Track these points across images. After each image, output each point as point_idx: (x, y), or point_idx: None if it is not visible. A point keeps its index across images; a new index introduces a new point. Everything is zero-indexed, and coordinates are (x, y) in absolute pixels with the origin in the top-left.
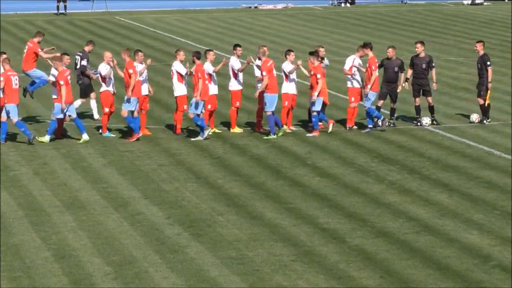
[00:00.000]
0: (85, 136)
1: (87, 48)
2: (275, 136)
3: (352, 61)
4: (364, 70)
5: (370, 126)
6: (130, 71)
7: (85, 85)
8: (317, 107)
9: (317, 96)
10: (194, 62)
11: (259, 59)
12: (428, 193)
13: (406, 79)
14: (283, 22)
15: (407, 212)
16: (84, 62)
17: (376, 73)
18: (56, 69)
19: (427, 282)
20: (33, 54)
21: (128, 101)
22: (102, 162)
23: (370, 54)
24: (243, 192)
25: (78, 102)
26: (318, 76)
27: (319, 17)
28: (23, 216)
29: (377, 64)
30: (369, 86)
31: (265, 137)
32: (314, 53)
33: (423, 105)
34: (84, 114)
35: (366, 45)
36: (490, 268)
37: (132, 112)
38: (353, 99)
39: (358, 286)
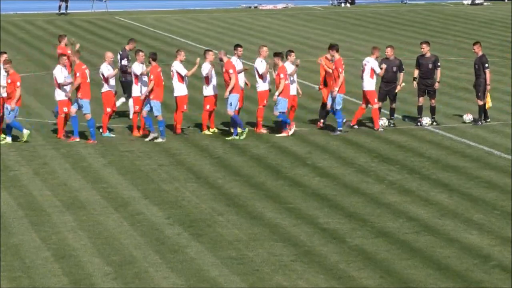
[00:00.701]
0: (25, 131)
1: (128, 47)
2: (237, 138)
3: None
4: (330, 70)
5: (340, 128)
6: (78, 74)
7: (127, 83)
8: (283, 107)
9: (279, 96)
10: (150, 63)
11: (221, 60)
12: (428, 193)
13: (414, 78)
14: (283, 22)
15: (407, 212)
16: (124, 62)
17: (343, 75)
18: (7, 71)
19: (427, 282)
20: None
21: (81, 106)
22: (102, 162)
23: (337, 56)
24: (243, 192)
25: (122, 99)
26: (282, 76)
27: (319, 17)
28: (23, 216)
29: (343, 66)
30: (336, 89)
31: (228, 138)
32: (279, 54)
33: (424, 105)
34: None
35: (332, 47)
36: (490, 268)
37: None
38: (376, 100)
39: (358, 286)
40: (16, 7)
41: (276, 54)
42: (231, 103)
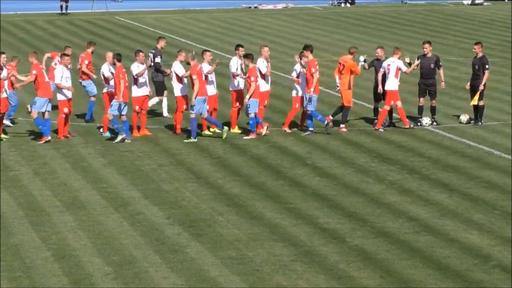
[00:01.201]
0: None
1: (159, 45)
2: (195, 140)
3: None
4: (304, 71)
5: (311, 129)
6: (34, 72)
7: (159, 83)
8: (253, 109)
9: (252, 98)
10: (114, 64)
11: (188, 63)
12: (428, 193)
13: (409, 64)
14: (283, 22)
15: (407, 212)
16: (157, 59)
17: (316, 76)
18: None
19: (427, 282)
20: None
21: (34, 103)
22: (102, 162)
23: (310, 56)
24: (243, 192)
25: (155, 99)
26: (252, 78)
27: (319, 17)
28: (23, 216)
29: (317, 67)
30: (311, 90)
31: (186, 140)
32: (248, 56)
33: (425, 105)
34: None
35: (306, 48)
36: (490, 268)
37: (43, 113)
38: (392, 102)
39: (358, 286)
40: (16, 7)
41: (246, 56)
42: (192, 106)
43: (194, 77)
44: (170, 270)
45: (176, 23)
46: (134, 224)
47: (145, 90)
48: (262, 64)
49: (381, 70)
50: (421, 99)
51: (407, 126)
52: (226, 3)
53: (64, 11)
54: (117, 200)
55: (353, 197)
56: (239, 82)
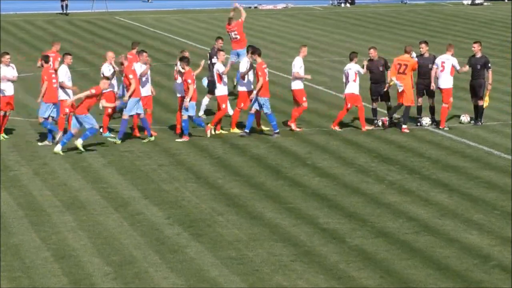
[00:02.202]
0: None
1: (216, 46)
2: (119, 142)
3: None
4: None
5: (247, 130)
6: None
7: (213, 82)
8: (191, 111)
9: (190, 101)
10: (42, 66)
11: (122, 64)
12: (428, 193)
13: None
14: (283, 22)
15: (407, 212)
16: (214, 60)
17: (261, 80)
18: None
19: (427, 282)
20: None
21: None
22: (102, 162)
23: (258, 59)
24: (243, 192)
25: (207, 100)
26: (189, 81)
27: (319, 17)
28: (23, 216)
29: (264, 70)
30: (254, 92)
31: (111, 140)
32: (183, 59)
33: (424, 105)
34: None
35: (255, 51)
36: (490, 268)
37: None
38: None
39: (358, 286)
40: (16, 7)
41: (182, 59)
42: (126, 106)
43: (130, 76)
44: (170, 270)
45: (176, 23)
46: (134, 224)
47: (148, 91)
48: (298, 64)
49: (434, 67)
50: (419, 99)
51: (441, 127)
52: (226, 3)
53: (64, 11)
54: (117, 200)
55: (353, 197)
56: (248, 83)
